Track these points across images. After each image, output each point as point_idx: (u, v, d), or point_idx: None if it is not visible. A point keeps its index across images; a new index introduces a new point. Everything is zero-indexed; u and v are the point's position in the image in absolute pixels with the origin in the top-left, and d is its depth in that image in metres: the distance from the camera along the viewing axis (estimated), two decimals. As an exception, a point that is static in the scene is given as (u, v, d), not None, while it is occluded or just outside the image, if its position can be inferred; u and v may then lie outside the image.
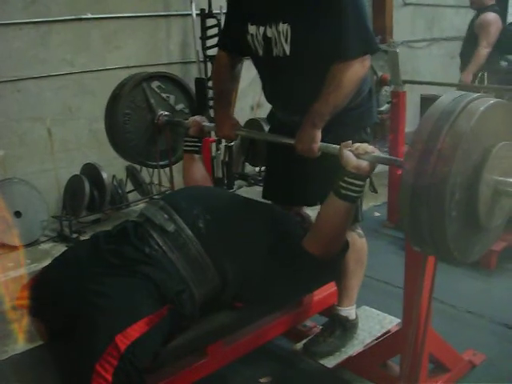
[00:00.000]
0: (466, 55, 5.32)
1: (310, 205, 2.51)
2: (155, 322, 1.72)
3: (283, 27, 2.10)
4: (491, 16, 5.10)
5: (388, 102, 4.23)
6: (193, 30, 5.04)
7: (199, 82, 4.93)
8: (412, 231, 1.56)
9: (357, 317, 2.55)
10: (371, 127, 2.40)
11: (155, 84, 2.75)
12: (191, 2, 4.96)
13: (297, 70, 2.17)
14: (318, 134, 2.09)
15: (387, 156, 1.91)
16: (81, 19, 4.50)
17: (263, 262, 1.99)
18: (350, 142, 1.87)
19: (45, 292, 1.90)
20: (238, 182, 5.48)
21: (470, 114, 1.47)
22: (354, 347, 2.49)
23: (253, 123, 5.39)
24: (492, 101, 1.53)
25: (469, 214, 1.53)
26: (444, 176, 1.42)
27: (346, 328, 2.51)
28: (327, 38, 2.03)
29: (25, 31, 4.24)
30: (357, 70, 2.05)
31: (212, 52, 4.85)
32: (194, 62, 5.17)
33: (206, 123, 2.51)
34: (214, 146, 4.88)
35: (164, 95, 2.78)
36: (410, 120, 4.33)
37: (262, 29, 2.18)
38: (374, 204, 4.74)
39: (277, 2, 2.11)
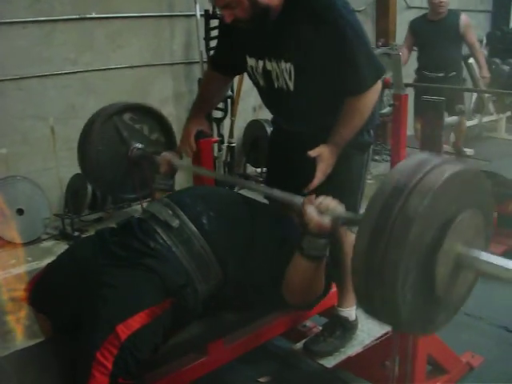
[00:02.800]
0: (450, 56, 5.31)
1: None
2: (157, 315, 1.74)
3: (286, 65, 2.14)
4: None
5: (390, 105, 4.24)
6: (197, 30, 5.04)
7: (199, 87, 4.95)
8: (364, 300, 1.43)
9: (357, 318, 2.57)
10: (374, 129, 2.43)
11: (127, 116, 2.59)
12: (195, 3, 4.97)
13: (301, 100, 2.21)
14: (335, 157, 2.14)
15: (349, 215, 1.77)
16: (85, 18, 4.52)
17: (262, 262, 2.00)
18: (314, 196, 1.78)
19: (50, 287, 1.93)
20: (238, 179, 5.49)
21: (434, 179, 1.32)
22: (354, 348, 2.51)
23: (255, 124, 5.42)
24: (457, 168, 1.37)
25: (426, 292, 1.39)
26: (396, 259, 1.29)
27: (346, 328, 2.53)
28: (335, 74, 2.09)
29: (29, 30, 4.25)
30: (373, 96, 2.15)
31: (215, 53, 4.86)
32: (197, 62, 5.18)
33: (176, 160, 2.40)
34: (216, 146, 4.90)
35: (137, 126, 2.63)
36: (412, 123, 4.34)
37: (261, 62, 2.22)
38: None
39: (276, 39, 2.12)
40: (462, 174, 1.40)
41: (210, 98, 2.57)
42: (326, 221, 1.72)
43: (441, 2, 5.11)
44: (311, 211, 1.73)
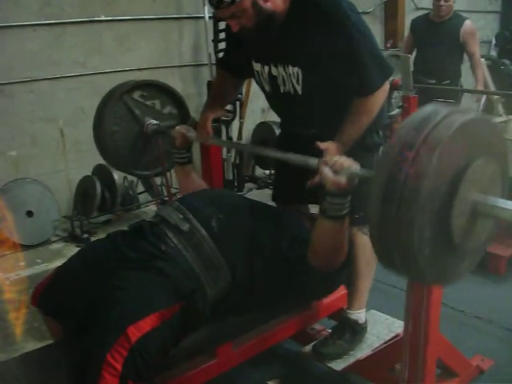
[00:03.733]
0: (447, 63, 5.05)
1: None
2: (167, 318, 1.74)
3: (293, 70, 2.15)
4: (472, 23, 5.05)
5: (399, 107, 4.23)
6: (205, 32, 5.06)
7: (211, 85, 4.94)
8: (381, 252, 1.43)
9: (366, 321, 2.56)
10: (383, 130, 2.43)
11: (137, 94, 2.61)
12: (204, 5, 4.98)
13: (309, 103, 2.22)
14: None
15: (365, 170, 1.79)
16: (94, 21, 4.54)
17: (272, 264, 2.00)
18: (330, 157, 1.80)
19: (60, 290, 1.94)
20: (248, 185, 5.49)
21: (451, 123, 1.34)
22: (363, 351, 2.50)
23: (264, 126, 5.42)
24: (477, 114, 1.43)
25: (443, 236, 1.39)
26: (419, 177, 1.29)
27: (356, 331, 2.52)
28: (343, 76, 2.10)
29: (38, 33, 4.27)
30: (381, 97, 2.16)
31: (224, 55, 4.87)
32: (205, 64, 5.19)
33: (191, 133, 2.41)
34: (224, 148, 4.90)
35: (148, 102, 2.65)
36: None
37: (266, 68, 2.24)
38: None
39: (282, 44, 2.13)
40: (472, 123, 1.41)
41: (223, 94, 2.58)
42: (342, 179, 1.74)
43: (441, 6, 4.84)
44: (327, 171, 1.76)
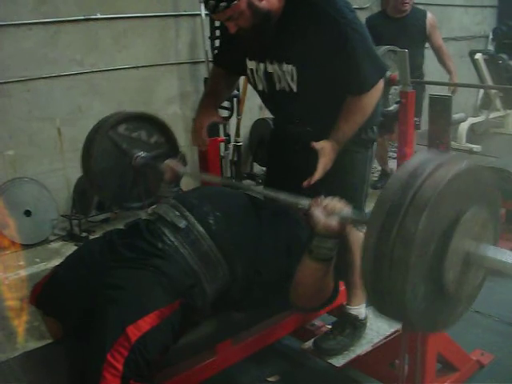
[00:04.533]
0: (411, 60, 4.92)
1: None
2: (166, 316, 1.74)
3: (288, 67, 2.15)
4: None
5: (396, 102, 4.22)
6: (202, 29, 5.05)
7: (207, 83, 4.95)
8: (374, 297, 1.42)
9: (366, 316, 2.56)
10: (377, 126, 2.43)
11: (122, 128, 2.55)
12: (200, 2, 4.96)
13: (304, 101, 2.22)
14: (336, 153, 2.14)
15: (357, 215, 1.77)
16: (90, 19, 4.52)
17: (270, 260, 2.00)
18: (321, 197, 1.78)
19: (59, 289, 1.94)
20: (246, 182, 5.49)
21: (441, 177, 1.32)
22: (363, 346, 2.50)
23: (262, 123, 5.42)
24: (460, 166, 1.37)
25: (435, 283, 1.39)
26: (408, 239, 1.29)
27: (356, 327, 2.52)
28: (338, 74, 2.10)
29: (34, 31, 4.26)
30: (376, 95, 2.17)
31: (221, 52, 4.87)
32: (202, 61, 5.18)
33: (181, 168, 2.39)
34: (222, 145, 4.90)
35: (134, 134, 2.59)
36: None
37: (262, 65, 2.23)
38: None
39: (278, 41, 2.13)
40: (467, 172, 1.40)
41: (218, 93, 2.57)
42: (334, 222, 1.72)
43: (405, 3, 4.60)
44: (318, 213, 1.74)
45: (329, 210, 1.72)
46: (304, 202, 1.82)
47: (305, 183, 2.00)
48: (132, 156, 2.51)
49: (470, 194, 1.43)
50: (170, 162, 2.39)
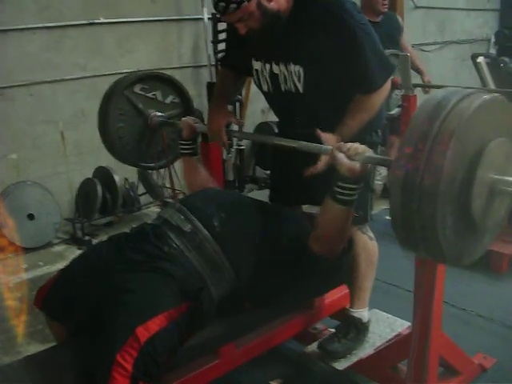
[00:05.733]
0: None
1: (319, 204, 2.53)
2: (174, 318, 1.75)
3: (295, 68, 2.16)
4: None
5: (399, 106, 4.23)
6: (204, 33, 5.06)
7: (211, 86, 4.95)
8: (403, 231, 1.47)
9: (369, 319, 2.57)
10: (381, 129, 2.44)
11: (138, 87, 2.61)
12: (203, 7, 4.98)
13: (311, 101, 2.23)
14: None
15: (379, 156, 1.85)
16: (93, 23, 4.54)
17: (275, 262, 2.01)
18: (343, 143, 1.82)
19: (64, 293, 1.95)
20: (248, 186, 5.50)
21: (462, 111, 1.38)
22: (365, 350, 2.51)
23: (264, 127, 5.43)
24: (485, 97, 1.45)
25: (462, 212, 1.44)
26: (437, 168, 1.34)
27: (360, 330, 2.53)
28: (346, 74, 2.11)
29: (38, 36, 4.28)
30: (383, 94, 2.19)
31: (223, 56, 4.88)
32: (205, 65, 5.19)
33: (199, 124, 2.43)
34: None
35: (150, 94, 2.65)
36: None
37: (268, 66, 2.24)
38: (385, 207, 4.74)
39: (285, 42, 2.13)
40: (484, 107, 1.43)
41: (227, 94, 2.58)
42: (357, 164, 1.76)
43: (385, 5, 4.39)
44: (341, 157, 1.77)
45: (351, 153, 1.76)
46: (326, 147, 1.88)
47: (307, 171, 2.01)
48: (148, 115, 2.55)
49: (495, 125, 1.47)
50: (188, 119, 2.43)
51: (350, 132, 2.15)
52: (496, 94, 1.48)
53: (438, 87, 4.82)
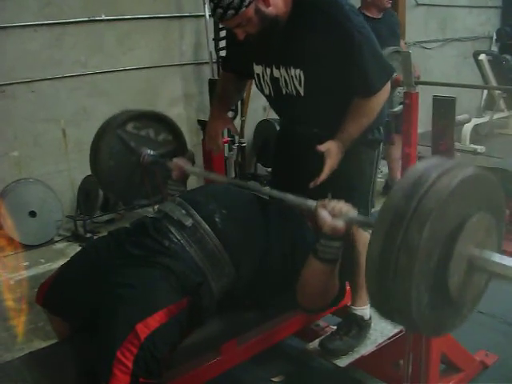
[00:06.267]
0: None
1: None
2: (174, 314, 1.75)
3: (295, 72, 2.15)
4: None
5: (401, 103, 4.22)
6: (206, 31, 5.05)
7: (213, 84, 4.94)
8: (379, 303, 1.44)
9: (370, 317, 2.56)
10: (383, 126, 2.44)
11: (130, 126, 2.56)
12: (204, 3, 4.97)
13: (312, 104, 2.22)
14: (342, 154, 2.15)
15: (362, 218, 1.82)
16: (94, 21, 4.54)
17: (276, 260, 2.01)
18: (327, 200, 1.81)
19: (65, 289, 1.95)
20: (250, 183, 5.48)
21: (441, 189, 1.32)
22: (367, 347, 2.50)
23: (266, 124, 5.42)
24: (466, 172, 1.38)
25: (439, 289, 1.39)
26: (412, 247, 1.29)
27: (361, 327, 2.53)
28: (345, 77, 2.11)
29: (39, 33, 4.28)
30: (382, 98, 2.18)
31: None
32: (207, 63, 5.19)
33: (189, 166, 2.40)
34: (226, 146, 4.91)
35: (142, 132, 2.60)
36: (423, 121, 4.34)
37: (268, 70, 2.24)
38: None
39: (284, 46, 2.13)
40: (471, 179, 1.39)
41: (228, 97, 2.58)
42: (340, 224, 1.75)
43: (388, 1, 4.39)
44: (325, 215, 1.77)
45: (335, 212, 1.76)
46: (311, 203, 1.85)
47: (311, 184, 2.01)
48: (140, 154, 2.53)
49: (474, 200, 1.43)
50: (179, 161, 2.40)
51: (349, 138, 2.15)
52: (477, 169, 1.41)
53: (442, 85, 4.82)
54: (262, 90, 2.36)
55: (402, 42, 4.78)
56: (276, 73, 2.22)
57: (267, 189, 2.18)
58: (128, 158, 2.54)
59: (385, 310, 1.44)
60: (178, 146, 2.66)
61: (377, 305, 1.45)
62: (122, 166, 2.55)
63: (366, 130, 2.23)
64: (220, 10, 1.96)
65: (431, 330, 1.50)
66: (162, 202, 2.71)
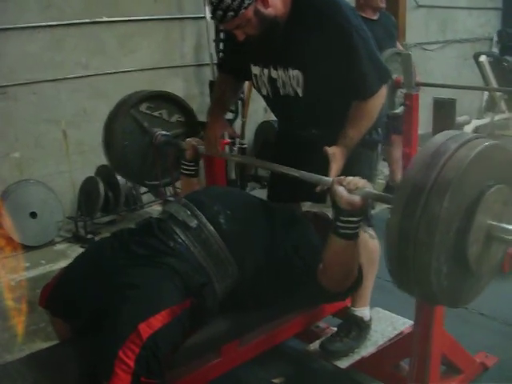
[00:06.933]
0: None
1: (320, 202, 2.53)
2: (177, 314, 1.76)
3: (293, 73, 2.16)
4: None
5: (402, 105, 4.23)
6: (207, 32, 5.06)
7: (213, 85, 4.94)
8: (397, 274, 1.48)
9: (371, 318, 2.57)
10: (381, 127, 2.44)
11: (144, 106, 2.64)
12: (205, 5, 4.98)
13: (310, 105, 2.23)
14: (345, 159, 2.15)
15: (378, 192, 1.86)
16: (95, 22, 4.54)
17: (279, 261, 2.02)
18: (343, 177, 1.84)
19: (68, 291, 1.95)
20: (250, 184, 5.50)
21: (460, 160, 1.37)
22: (367, 348, 2.51)
23: (266, 125, 5.43)
24: (485, 144, 1.43)
25: (458, 259, 1.44)
26: (433, 218, 1.33)
27: (362, 328, 2.53)
28: (343, 78, 2.12)
29: (41, 35, 4.28)
30: (379, 101, 2.19)
31: (225, 55, 4.88)
32: (207, 64, 5.19)
33: (201, 145, 2.44)
34: (227, 147, 4.91)
35: (155, 113, 2.68)
36: (423, 122, 4.35)
37: (266, 71, 2.25)
38: (386, 206, 4.73)
39: (283, 47, 2.13)
40: (489, 151, 1.43)
41: (226, 99, 2.58)
42: (356, 198, 1.77)
43: (382, 1, 4.26)
44: (341, 190, 1.79)
45: (351, 187, 1.78)
46: (327, 180, 1.89)
47: (317, 188, 2.01)
48: (153, 134, 2.55)
49: (492, 172, 1.46)
50: (192, 140, 2.44)
51: (351, 143, 2.16)
52: (495, 141, 1.46)
53: (442, 86, 4.82)
54: (259, 91, 2.37)
55: (398, 44, 4.76)
56: (274, 73, 2.23)
57: (283, 166, 2.18)
58: (141, 138, 2.58)
59: (404, 282, 1.47)
60: (191, 127, 2.69)
61: (396, 277, 1.48)
62: (135, 147, 2.60)
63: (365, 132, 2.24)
64: (220, 12, 1.97)
65: (449, 301, 1.53)
66: (171, 183, 2.81)
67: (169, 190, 4.49)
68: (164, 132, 2.62)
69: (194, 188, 2.48)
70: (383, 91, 2.18)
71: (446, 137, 1.44)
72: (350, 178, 1.81)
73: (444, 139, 1.43)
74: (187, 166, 2.47)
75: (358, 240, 1.89)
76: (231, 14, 1.96)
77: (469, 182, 1.38)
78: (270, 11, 2.03)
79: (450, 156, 1.37)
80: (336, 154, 2.10)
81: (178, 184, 2.87)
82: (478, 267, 1.46)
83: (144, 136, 2.60)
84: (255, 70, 2.29)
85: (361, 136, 2.19)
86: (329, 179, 1.89)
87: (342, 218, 1.82)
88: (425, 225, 1.33)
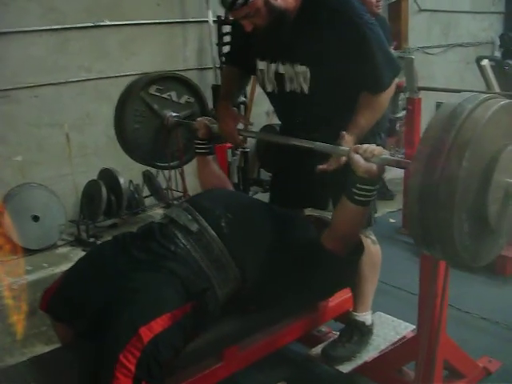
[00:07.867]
0: None
1: (322, 208, 2.52)
2: (178, 318, 1.75)
3: (301, 68, 2.15)
4: None
5: (404, 109, 4.23)
6: (209, 36, 5.07)
7: (216, 89, 4.96)
8: (419, 234, 1.50)
9: (372, 322, 2.56)
10: (385, 132, 2.44)
11: (153, 89, 2.67)
12: (208, 9, 4.99)
13: (316, 102, 2.22)
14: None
15: (395, 158, 1.87)
16: (98, 26, 4.56)
17: (281, 263, 2.01)
18: (360, 145, 1.84)
19: (69, 294, 1.94)
20: (253, 188, 5.49)
21: (480, 116, 1.41)
22: (369, 353, 2.50)
23: (269, 129, 5.42)
24: (501, 103, 1.47)
25: (478, 217, 1.47)
26: (452, 178, 1.37)
27: (363, 333, 2.52)
28: (353, 74, 2.11)
29: (44, 38, 4.30)
30: (390, 94, 2.19)
31: (228, 58, 4.88)
32: (210, 68, 5.20)
33: (214, 125, 2.45)
34: (229, 151, 4.91)
35: (165, 95, 2.71)
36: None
37: (273, 65, 2.24)
38: (389, 210, 4.74)
39: (292, 42, 2.13)
40: (505, 110, 1.47)
41: (232, 94, 2.59)
42: (373, 166, 1.78)
43: (379, 5, 4.24)
44: (358, 158, 1.79)
45: (368, 154, 1.78)
46: (343, 148, 1.91)
47: (321, 166, 2.01)
48: (164, 116, 2.60)
49: (508, 131, 1.49)
50: (204, 119, 2.46)
51: (361, 132, 2.14)
52: (510, 100, 1.49)
53: (444, 90, 4.82)
54: (264, 87, 2.36)
55: (391, 49, 4.76)
56: (281, 69, 2.21)
57: (298, 139, 2.17)
58: (152, 121, 2.64)
59: (426, 241, 1.49)
60: (200, 108, 2.72)
61: (418, 237, 1.50)
62: (147, 128, 2.66)
63: (370, 134, 2.23)
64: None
65: (471, 259, 1.54)
66: (180, 166, 2.86)
67: (171, 194, 4.52)
68: (174, 113, 2.67)
69: (211, 166, 2.50)
70: (394, 84, 2.19)
71: (461, 98, 1.47)
72: (366, 145, 1.81)
73: (459, 100, 1.46)
74: (201, 144, 2.48)
75: (369, 205, 1.92)
76: (241, 1, 1.96)
77: (486, 142, 1.42)
78: (280, 3, 2.03)
79: (466, 116, 1.40)
80: (348, 142, 2.07)
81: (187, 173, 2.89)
82: (497, 225, 1.50)
83: (154, 118, 2.65)
84: (261, 65, 2.28)
85: (370, 126, 2.18)
86: (346, 148, 1.90)
87: (359, 186, 1.83)
88: (445, 184, 1.36)
